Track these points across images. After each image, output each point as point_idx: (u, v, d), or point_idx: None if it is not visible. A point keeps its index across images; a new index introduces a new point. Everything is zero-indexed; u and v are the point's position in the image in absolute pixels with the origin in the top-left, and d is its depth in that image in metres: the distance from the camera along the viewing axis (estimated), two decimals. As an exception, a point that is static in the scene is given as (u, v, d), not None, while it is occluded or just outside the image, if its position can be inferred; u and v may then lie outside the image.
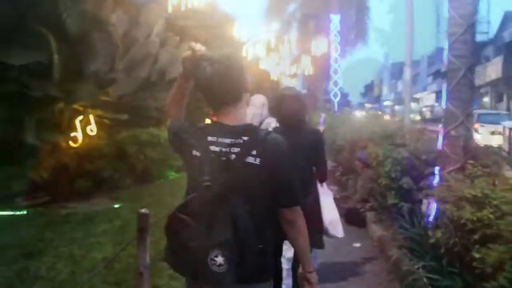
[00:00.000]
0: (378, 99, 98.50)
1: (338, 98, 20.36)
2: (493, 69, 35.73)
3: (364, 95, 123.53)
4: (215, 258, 1.70)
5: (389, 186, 6.50)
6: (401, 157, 6.33)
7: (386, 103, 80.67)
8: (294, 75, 37.75)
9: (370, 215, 7.12)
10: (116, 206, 7.72)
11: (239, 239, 1.73)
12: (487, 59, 39.42)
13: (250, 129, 1.93)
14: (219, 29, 17.80)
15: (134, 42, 8.99)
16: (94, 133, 9.05)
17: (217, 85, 1.91)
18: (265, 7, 31.31)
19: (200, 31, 15.58)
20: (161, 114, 11.55)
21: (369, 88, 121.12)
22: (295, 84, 42.52)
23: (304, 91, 51.22)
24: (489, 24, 63.19)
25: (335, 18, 20.55)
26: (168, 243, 1.91)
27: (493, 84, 36.92)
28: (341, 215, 7.48)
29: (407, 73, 8.64)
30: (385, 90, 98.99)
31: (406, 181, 6.17)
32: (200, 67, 1.94)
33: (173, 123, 2.17)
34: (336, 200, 7.86)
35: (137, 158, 9.19)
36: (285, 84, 40.01)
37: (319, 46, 21.24)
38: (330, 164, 11.91)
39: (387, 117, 17.19)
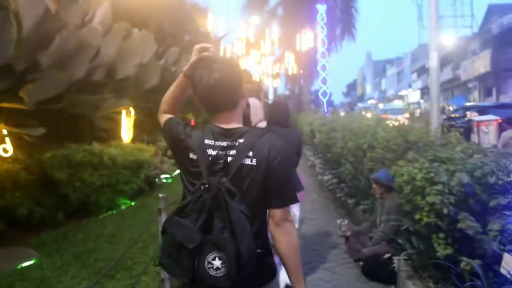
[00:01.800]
0: (361, 98, 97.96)
1: (327, 98, 18.07)
2: (481, 63, 34.69)
3: (346, 94, 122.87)
4: (212, 262, 1.69)
5: (435, 226, 4.20)
6: (457, 183, 4.01)
7: (369, 101, 79.56)
8: (276, 75, 35.61)
9: (401, 264, 4.77)
10: (27, 263, 5.25)
11: (237, 242, 1.69)
12: (474, 53, 38.23)
13: (246, 131, 1.93)
14: (189, 21, 15.33)
15: (61, 28, 6.55)
16: (8, 154, 6.57)
17: (216, 94, 1.89)
18: (242, 1, 29.04)
19: (164, 21, 13.16)
20: (112, 125, 9.13)
21: (351, 87, 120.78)
22: (278, 84, 40.45)
23: (287, 93, 49.46)
24: (472, 18, 62.53)
25: (321, 8, 18.28)
26: (164, 247, 1.82)
27: (481, 78, 35.81)
28: (357, 261, 5.31)
29: (434, 59, 6.31)
30: (368, 88, 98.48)
31: (468, 223, 3.85)
32: (199, 75, 1.89)
33: (170, 121, 2.06)
34: (348, 239, 5.63)
35: (70, 186, 6.74)
36: (267, 85, 38.05)
37: (304, 40, 18.91)
38: (327, 179, 9.67)
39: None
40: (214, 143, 1.90)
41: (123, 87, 9.03)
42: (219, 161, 1.81)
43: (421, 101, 54.70)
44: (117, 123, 9.24)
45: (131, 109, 9.46)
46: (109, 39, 7.90)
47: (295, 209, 4.26)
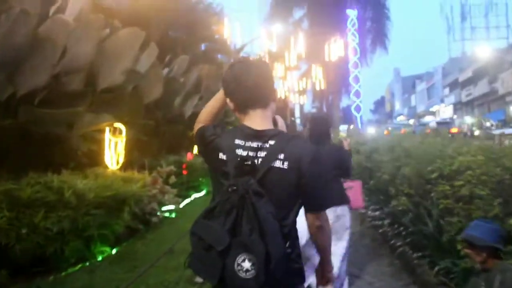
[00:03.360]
0: (390, 115, 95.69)
1: (361, 113, 15.84)
2: None
3: (374, 111, 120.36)
4: (242, 264, 1.67)
5: None
6: None
7: (399, 118, 76.94)
8: (303, 91, 33.55)
9: None
10: None
11: (266, 243, 1.67)
12: None
13: (277, 134, 1.92)
14: (202, 27, 13.41)
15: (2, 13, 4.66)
16: None
17: (249, 90, 1.92)
18: (264, 12, 27.23)
19: (171, 26, 11.32)
20: (95, 147, 7.19)
21: (379, 104, 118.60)
22: (305, 101, 38.35)
23: (313, 110, 47.31)
24: (508, 29, 59.69)
25: (352, 14, 16.19)
26: (193, 249, 1.82)
27: None
28: None
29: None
30: (397, 105, 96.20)
31: None
32: (235, 72, 1.94)
33: (202, 128, 2.07)
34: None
35: (13, 234, 4.75)
36: (293, 102, 35.98)
37: (334, 49, 16.79)
38: (372, 215, 7.47)
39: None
40: (245, 143, 1.89)
41: (109, 100, 7.08)
42: (248, 162, 1.81)
43: (454, 116, 52.01)
44: (102, 145, 7.27)
45: (121, 126, 7.48)
46: (82, 35, 5.96)
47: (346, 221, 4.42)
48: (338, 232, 4.29)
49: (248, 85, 1.89)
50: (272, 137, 1.88)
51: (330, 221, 4.46)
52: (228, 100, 1.98)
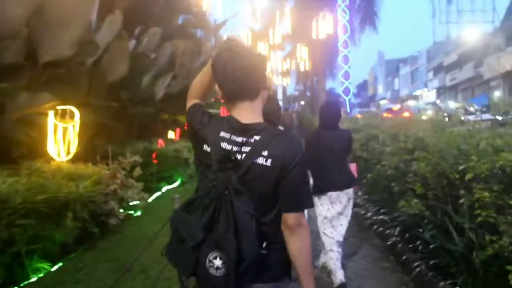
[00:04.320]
0: (372, 99, 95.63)
1: (350, 96, 14.63)
2: (508, 60, 31.37)
3: (356, 95, 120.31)
4: (213, 261, 1.63)
5: None
6: None
7: (382, 102, 76.37)
8: (286, 73, 32.27)
9: None
10: None
11: (239, 243, 1.63)
12: (499, 49, 35.19)
13: (263, 129, 1.83)
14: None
15: None
16: None
17: (240, 81, 1.81)
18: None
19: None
20: (36, 135, 5.87)
21: (361, 88, 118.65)
22: (288, 83, 36.99)
23: (296, 93, 45.95)
24: (494, 12, 59.10)
25: (343, -12, 14.88)
26: (170, 239, 1.80)
27: (508, 75, 33.06)
28: None
29: None
30: (380, 89, 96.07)
31: None
32: (223, 62, 1.81)
33: (193, 109, 1.99)
34: None
35: None
36: (276, 84, 34.65)
37: (322, 26, 15.48)
38: (374, 218, 6.31)
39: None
40: (230, 137, 1.81)
41: (57, 76, 5.74)
42: (231, 157, 1.76)
43: (438, 101, 51.57)
44: (46, 131, 5.90)
45: (73, 109, 6.14)
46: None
47: None
48: (345, 211, 4.52)
49: (235, 78, 1.77)
50: (258, 132, 1.80)
51: (343, 204, 4.42)
52: (216, 87, 1.87)
